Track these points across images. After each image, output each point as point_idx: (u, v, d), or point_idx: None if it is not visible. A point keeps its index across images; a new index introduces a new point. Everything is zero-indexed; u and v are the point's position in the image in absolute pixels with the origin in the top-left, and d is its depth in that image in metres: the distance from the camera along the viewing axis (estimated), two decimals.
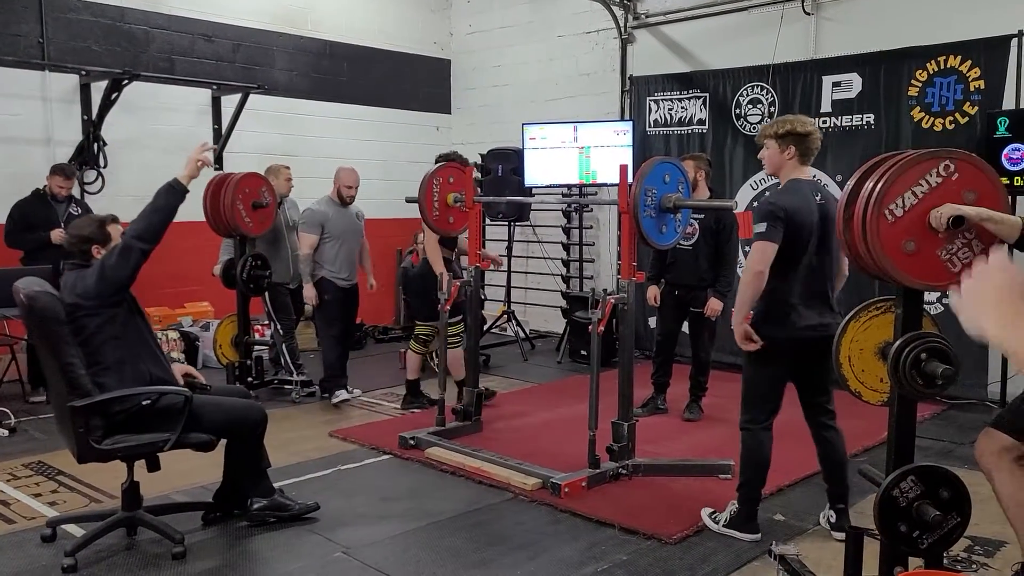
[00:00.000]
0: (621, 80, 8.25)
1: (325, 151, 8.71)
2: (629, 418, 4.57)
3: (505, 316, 8.25)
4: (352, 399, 6.18)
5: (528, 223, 8.56)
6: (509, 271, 8.59)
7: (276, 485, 4.08)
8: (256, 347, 6.35)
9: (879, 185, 2.81)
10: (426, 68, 9.71)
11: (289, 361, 6.37)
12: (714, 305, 5.57)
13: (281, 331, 6.41)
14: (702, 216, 5.46)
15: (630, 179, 4.32)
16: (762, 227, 3.56)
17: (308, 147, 8.60)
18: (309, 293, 6.02)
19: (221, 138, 7.88)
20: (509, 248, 8.44)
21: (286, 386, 6.34)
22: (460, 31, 9.82)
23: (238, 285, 5.97)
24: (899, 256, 2.81)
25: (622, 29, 8.25)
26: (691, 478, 4.54)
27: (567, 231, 8.74)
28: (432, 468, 4.74)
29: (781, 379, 3.74)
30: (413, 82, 9.57)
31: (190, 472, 4.33)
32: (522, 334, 8.26)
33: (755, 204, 6.96)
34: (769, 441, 3.72)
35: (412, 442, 5.00)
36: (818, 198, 3.67)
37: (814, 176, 3.92)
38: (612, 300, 4.44)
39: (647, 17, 8.15)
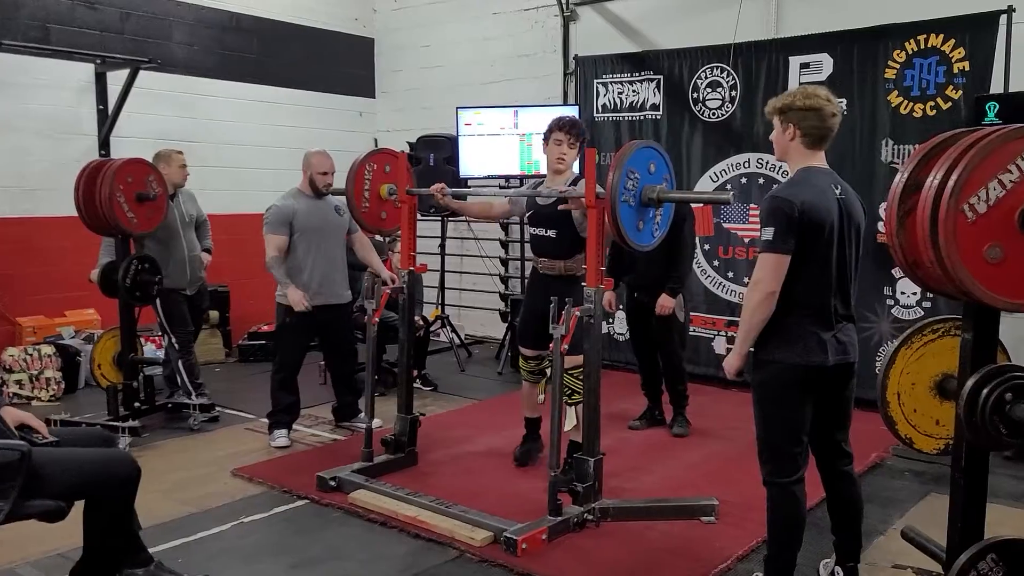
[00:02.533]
0: (564, 62, 7.50)
1: (232, 137, 7.73)
2: (595, 452, 3.82)
3: (439, 321, 7.42)
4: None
5: (463, 220, 7.75)
6: (442, 271, 7.78)
7: (158, 548, 3.21)
8: (146, 366, 5.37)
9: (954, 173, 2.11)
10: (347, 47, 8.77)
11: (187, 380, 5.42)
12: (663, 302, 5.00)
13: (177, 345, 5.44)
14: None
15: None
16: (769, 233, 2.82)
17: (211, 132, 7.59)
18: (294, 296, 4.78)
19: (107, 121, 6.82)
20: (442, 246, 7.62)
21: (183, 410, 5.39)
22: (385, 7, 8.92)
23: (120, 293, 4.99)
24: (980, 266, 2.13)
25: (564, 6, 7.50)
26: (668, 522, 3.83)
27: (506, 227, 7.96)
28: (357, 517, 3.90)
29: (804, 416, 2.97)
30: (332, 62, 8.62)
31: (46, 536, 3.37)
32: (457, 340, 7.46)
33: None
34: (803, 496, 2.96)
35: (333, 483, 4.15)
36: (837, 191, 2.94)
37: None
38: (576, 313, 3.68)
39: None
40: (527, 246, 7.71)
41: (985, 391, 2.14)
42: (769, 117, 3.07)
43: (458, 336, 7.54)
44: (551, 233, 4.25)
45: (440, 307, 7.62)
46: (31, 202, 6.51)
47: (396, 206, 4.52)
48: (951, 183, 2.09)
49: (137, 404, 5.16)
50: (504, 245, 7.94)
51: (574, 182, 4.16)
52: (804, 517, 2.97)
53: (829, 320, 2.89)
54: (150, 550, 3.14)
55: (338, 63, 8.68)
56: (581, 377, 4.18)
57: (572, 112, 6.81)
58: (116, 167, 4.87)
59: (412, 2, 8.67)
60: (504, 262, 7.95)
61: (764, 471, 2.99)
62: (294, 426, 5.16)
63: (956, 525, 2.32)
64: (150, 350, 6.30)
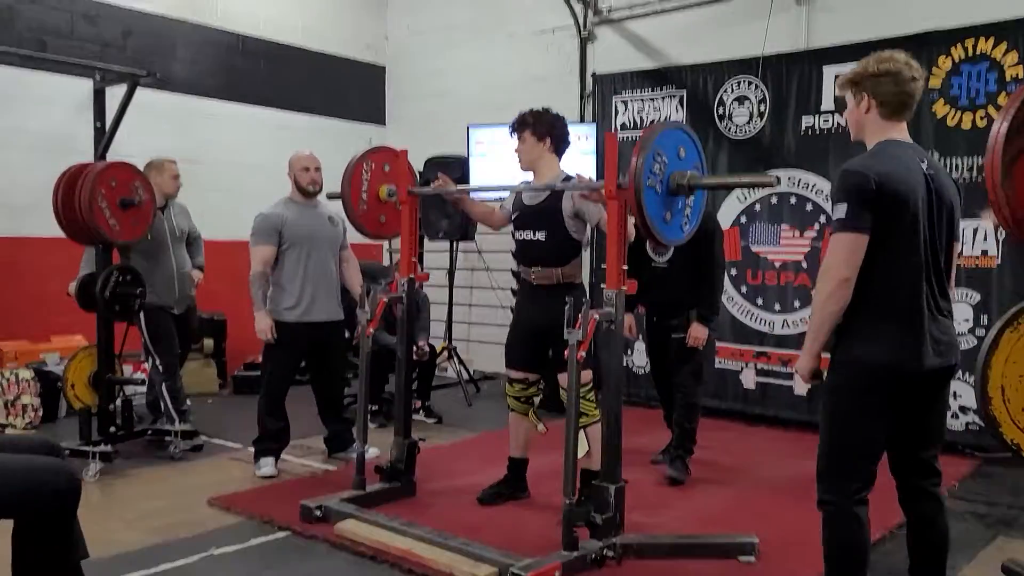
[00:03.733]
0: (580, 84, 7.18)
1: (235, 159, 7.41)
2: (616, 479, 3.33)
3: (446, 353, 6.96)
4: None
5: (473, 246, 7.36)
6: (450, 303, 7.35)
7: None
8: (125, 387, 4.93)
9: None
10: (357, 73, 8.52)
11: (170, 406, 4.97)
12: (696, 332, 4.41)
13: (161, 368, 5.01)
14: None
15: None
16: (842, 210, 2.40)
17: (214, 154, 7.29)
18: (261, 324, 4.44)
19: (104, 138, 6.50)
20: (451, 274, 7.20)
21: (165, 438, 4.94)
22: (397, 34, 8.68)
23: (99, 306, 4.58)
24: None
25: (582, 26, 7.21)
26: (700, 561, 3.32)
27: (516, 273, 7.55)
28: (344, 551, 3.41)
29: (883, 428, 2.52)
30: (342, 88, 8.35)
31: None
32: (465, 375, 6.99)
33: (742, 219, 5.95)
34: (866, 518, 2.50)
35: (318, 513, 3.67)
36: (924, 165, 2.51)
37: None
38: (596, 316, 3.24)
39: (610, 12, 7.12)
40: None
41: None
42: (841, 95, 2.70)
43: (466, 370, 7.07)
44: (539, 236, 3.81)
45: (447, 339, 7.16)
46: (19, 220, 6.17)
47: (397, 208, 4.12)
48: None
49: (113, 429, 4.70)
50: (516, 275, 7.50)
51: (564, 180, 3.78)
52: (868, 542, 2.53)
53: (921, 314, 2.44)
54: None
55: (348, 89, 8.42)
56: (590, 396, 3.73)
57: (589, 130, 6.48)
58: (99, 169, 4.52)
59: (424, 28, 8.44)
60: (516, 293, 7.50)
61: (821, 488, 2.52)
62: (283, 455, 4.69)
63: None
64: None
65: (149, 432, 4.99)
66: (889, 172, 2.42)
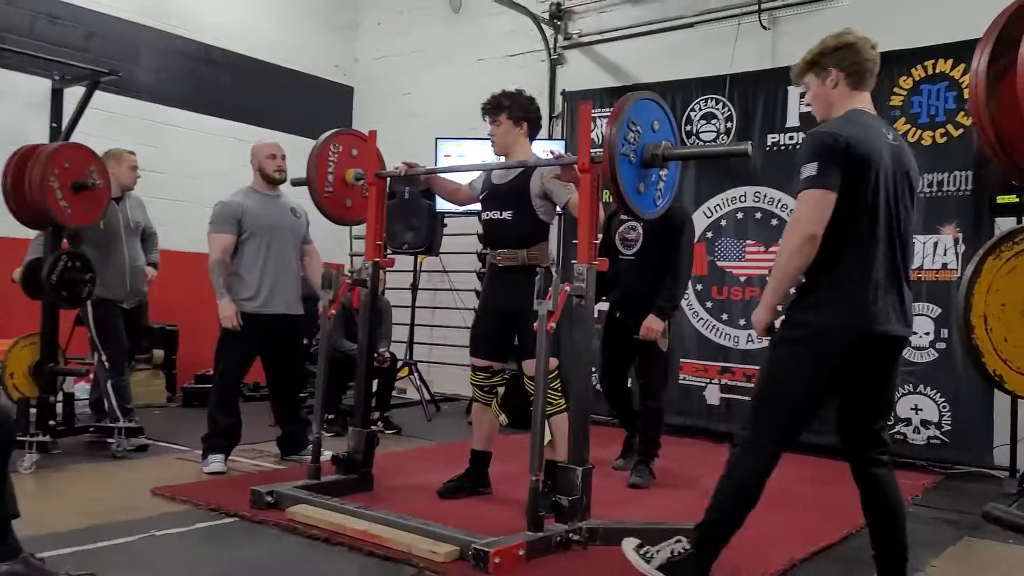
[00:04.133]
0: (550, 105, 7.20)
1: (197, 171, 7.26)
2: (584, 461, 3.21)
3: (407, 369, 6.78)
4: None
5: (438, 264, 7.28)
6: (412, 320, 7.21)
7: (41, 555, 2.54)
8: (70, 379, 4.70)
9: None
10: (325, 92, 8.48)
11: (115, 404, 4.74)
12: (650, 323, 4.20)
13: (107, 364, 4.78)
14: None
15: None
16: (812, 168, 2.42)
17: (175, 164, 7.14)
18: (226, 311, 4.27)
19: (59, 139, 6.32)
20: (414, 289, 7.07)
21: (108, 438, 4.69)
22: (367, 56, 8.69)
23: (45, 291, 4.38)
24: None
25: (552, 50, 7.28)
26: None
27: (483, 276, 7.44)
28: (296, 534, 3.22)
29: (828, 390, 2.55)
30: (309, 106, 8.29)
31: None
32: (427, 395, 6.81)
33: (708, 235, 5.95)
34: (768, 472, 2.53)
35: (270, 499, 3.48)
36: (890, 136, 2.56)
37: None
38: (566, 289, 3.16)
39: (580, 36, 7.22)
40: None
41: None
42: (799, 81, 2.77)
43: (427, 389, 6.89)
44: (506, 215, 3.71)
45: (409, 355, 6.99)
46: None
47: (363, 195, 4.03)
48: None
49: (53, 423, 4.46)
50: (484, 259, 7.42)
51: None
52: (758, 493, 2.55)
53: (884, 281, 2.46)
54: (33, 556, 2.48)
55: (315, 107, 8.35)
56: (556, 385, 3.61)
57: (559, 147, 6.48)
58: (52, 149, 4.37)
59: (394, 51, 8.46)
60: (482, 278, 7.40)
61: (747, 432, 2.56)
62: (233, 456, 4.47)
63: None
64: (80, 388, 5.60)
65: (91, 429, 4.75)
66: (857, 135, 2.46)
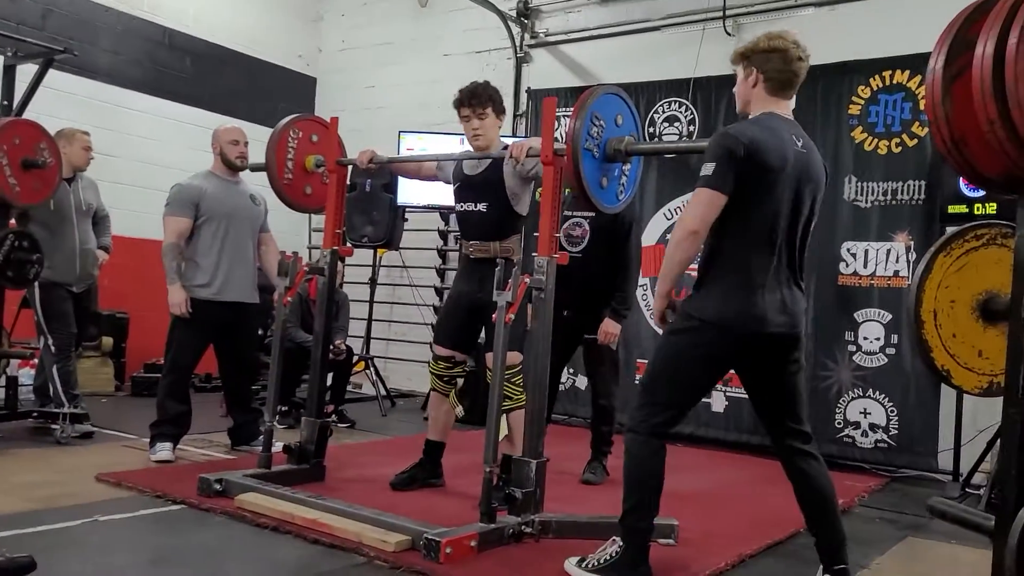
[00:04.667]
0: (515, 102, 7.20)
1: (153, 157, 7.12)
2: (539, 454, 3.21)
3: (364, 363, 6.71)
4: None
5: (397, 259, 7.23)
6: (370, 315, 7.13)
7: None
8: (14, 362, 4.57)
9: None
10: (287, 82, 8.38)
11: (59, 390, 4.61)
12: (608, 328, 4.20)
13: (53, 348, 4.66)
14: (593, 214, 4.17)
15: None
16: (709, 168, 2.53)
17: (130, 148, 7.00)
18: (175, 298, 4.20)
19: (9, 116, 6.16)
20: (373, 282, 7.01)
21: (52, 424, 4.58)
22: (330, 47, 8.61)
23: None
24: None
25: (518, 48, 7.29)
26: None
27: (442, 273, 7.44)
28: (243, 522, 3.17)
29: (712, 375, 2.73)
30: (270, 95, 8.17)
31: None
32: (383, 391, 6.75)
33: (668, 236, 5.98)
34: (662, 454, 2.68)
35: (218, 487, 3.42)
36: (799, 144, 2.63)
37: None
38: (526, 281, 3.15)
39: (546, 36, 7.23)
40: None
41: None
42: (734, 68, 2.81)
43: (383, 384, 6.84)
44: (481, 207, 3.67)
45: (366, 349, 6.93)
46: None
47: (324, 182, 3.99)
48: None
49: None
50: (439, 293, 7.40)
51: (504, 149, 3.66)
52: (663, 472, 2.70)
53: (770, 282, 2.56)
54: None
55: (276, 97, 8.23)
56: (517, 380, 3.59)
57: None
58: (2, 124, 4.25)
59: (359, 43, 8.39)
60: (438, 311, 7.38)
61: (635, 417, 2.67)
62: (182, 445, 4.39)
63: (1011, 475, 1.80)
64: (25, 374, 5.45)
65: (35, 415, 4.63)
66: (761, 140, 2.54)
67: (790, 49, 2.64)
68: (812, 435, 2.73)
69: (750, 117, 2.70)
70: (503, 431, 3.52)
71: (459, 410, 3.78)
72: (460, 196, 3.78)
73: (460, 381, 3.89)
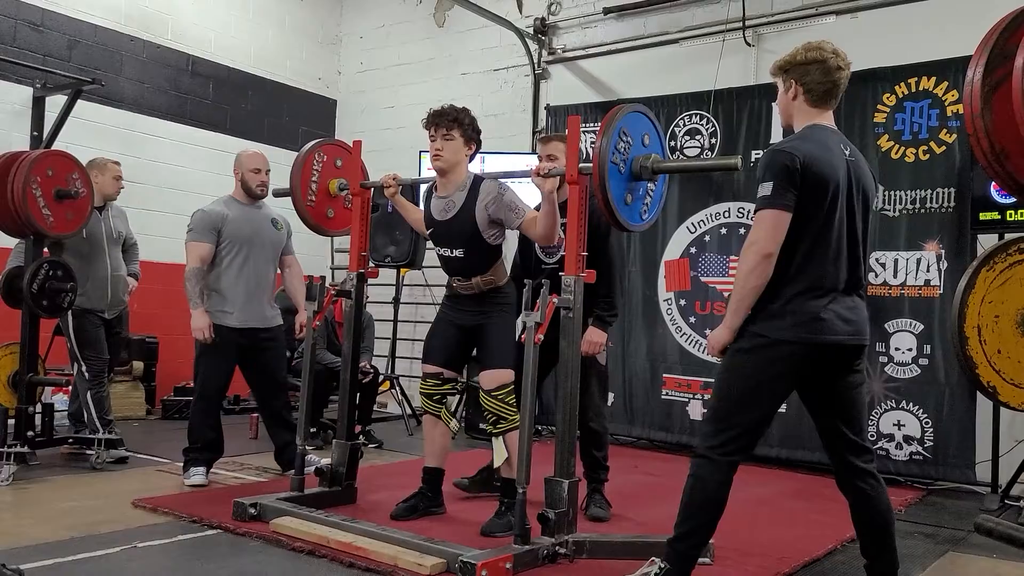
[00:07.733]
0: (533, 119, 7.24)
1: (178, 182, 7.22)
2: (571, 473, 3.20)
3: (389, 382, 6.73)
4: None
5: (420, 278, 7.26)
6: (395, 334, 7.17)
7: (19, 567, 2.49)
8: (48, 389, 4.63)
9: None
10: (308, 105, 8.47)
11: (94, 415, 4.67)
12: (593, 336, 3.85)
13: (87, 374, 4.72)
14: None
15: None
16: (767, 188, 2.49)
17: (157, 175, 7.10)
18: (198, 323, 4.17)
19: (40, 147, 6.27)
20: (396, 303, 7.04)
21: (87, 449, 4.63)
22: (350, 69, 8.69)
23: (25, 300, 4.32)
24: None
25: (536, 64, 7.32)
26: None
27: None
28: (279, 547, 3.18)
29: (780, 396, 2.64)
30: (291, 118, 8.28)
31: None
32: (408, 410, 6.77)
33: (692, 250, 5.98)
34: (730, 481, 2.57)
35: (253, 511, 3.44)
36: (847, 152, 2.63)
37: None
38: (554, 301, 3.15)
39: (564, 51, 7.25)
40: None
41: None
42: (774, 80, 2.80)
43: (408, 403, 6.86)
44: (457, 253, 3.57)
45: (391, 368, 6.95)
46: None
47: (346, 205, 4.01)
48: None
49: (31, 434, 4.39)
50: None
51: (472, 187, 3.55)
52: (724, 499, 2.60)
53: (832, 293, 2.54)
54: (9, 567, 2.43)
55: (298, 120, 8.34)
56: (510, 400, 3.50)
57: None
58: (35, 157, 4.33)
59: (377, 64, 8.47)
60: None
61: (706, 443, 2.59)
62: (215, 469, 4.42)
63: None
64: (59, 399, 5.53)
65: (70, 440, 4.68)
66: (814, 154, 2.52)
67: (829, 59, 2.63)
68: (873, 452, 2.69)
69: (796, 131, 2.68)
70: (502, 455, 3.49)
71: (453, 424, 3.74)
72: (435, 240, 3.69)
73: (451, 399, 3.84)
